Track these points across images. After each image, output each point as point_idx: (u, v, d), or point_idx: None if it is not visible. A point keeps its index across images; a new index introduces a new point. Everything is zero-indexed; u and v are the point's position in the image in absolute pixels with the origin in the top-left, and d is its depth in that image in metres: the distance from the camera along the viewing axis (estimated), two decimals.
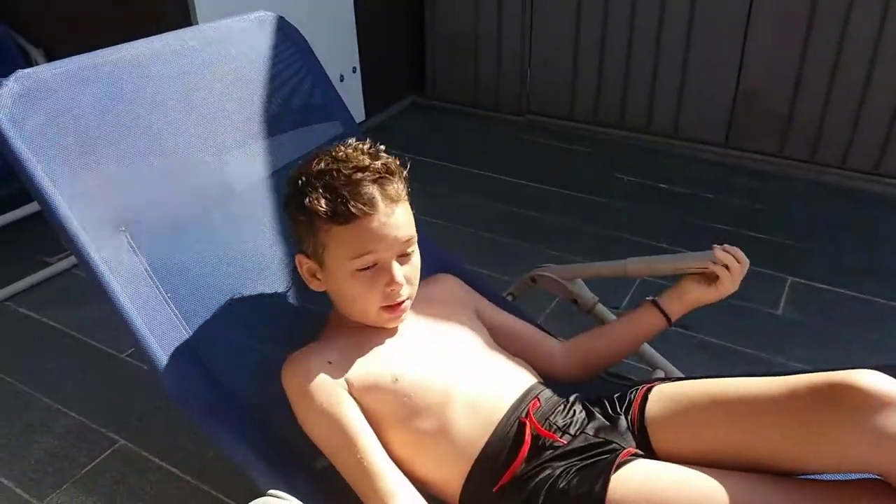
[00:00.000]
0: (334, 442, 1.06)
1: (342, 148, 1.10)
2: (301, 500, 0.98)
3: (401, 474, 1.05)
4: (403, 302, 1.13)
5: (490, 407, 1.11)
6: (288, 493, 0.99)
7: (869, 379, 0.91)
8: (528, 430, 1.07)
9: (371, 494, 1.02)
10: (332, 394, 1.06)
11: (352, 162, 1.07)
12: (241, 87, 1.39)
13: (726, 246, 1.25)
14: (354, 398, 1.08)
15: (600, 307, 1.49)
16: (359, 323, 1.16)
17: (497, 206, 2.91)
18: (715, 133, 3.24)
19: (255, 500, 1.05)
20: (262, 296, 1.29)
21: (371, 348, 1.14)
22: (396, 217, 1.08)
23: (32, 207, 2.42)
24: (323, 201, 1.04)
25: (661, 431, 1.07)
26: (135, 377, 2.01)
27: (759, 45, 3.01)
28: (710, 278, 1.26)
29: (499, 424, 1.09)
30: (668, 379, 1.44)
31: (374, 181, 1.06)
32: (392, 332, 1.17)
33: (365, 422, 1.07)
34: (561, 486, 1.00)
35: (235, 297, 1.25)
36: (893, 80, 2.82)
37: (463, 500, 1.07)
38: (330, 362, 1.09)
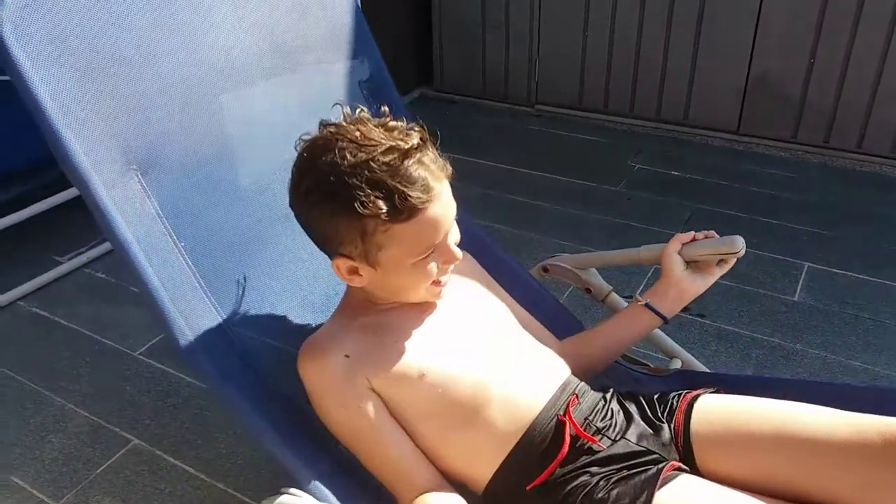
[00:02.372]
0: (357, 439, 1.02)
1: (354, 128, 0.95)
2: (322, 484, 0.97)
3: (429, 466, 1.01)
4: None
5: (527, 401, 1.05)
6: (306, 471, 0.99)
7: None
8: (567, 431, 1.02)
9: (399, 488, 0.99)
10: (351, 392, 1.00)
11: (381, 144, 0.92)
12: (267, 13, 1.27)
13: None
14: (376, 392, 1.01)
15: (614, 296, 1.47)
16: (384, 304, 1.07)
17: (508, 197, 2.89)
18: (727, 120, 3.21)
19: (268, 499, 1.04)
20: (279, 250, 1.20)
21: (393, 337, 1.04)
22: (447, 194, 0.98)
23: (41, 206, 2.42)
24: (380, 202, 0.90)
25: (708, 451, 1.02)
26: (147, 376, 2.00)
27: (771, 29, 2.97)
28: (701, 267, 1.20)
29: (536, 420, 1.03)
30: (692, 371, 1.42)
31: (419, 161, 0.94)
32: (417, 314, 1.08)
33: (387, 417, 1.01)
34: (599, 495, 0.96)
35: (252, 250, 1.16)
36: None
37: (489, 491, 1.03)
38: (347, 356, 1.01)
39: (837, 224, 2.63)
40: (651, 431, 1.06)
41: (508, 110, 3.68)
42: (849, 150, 3.00)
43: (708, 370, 1.45)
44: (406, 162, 0.92)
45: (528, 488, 1.01)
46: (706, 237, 1.20)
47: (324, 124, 0.99)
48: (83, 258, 2.52)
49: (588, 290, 1.48)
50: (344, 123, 0.97)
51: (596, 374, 1.21)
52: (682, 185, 2.96)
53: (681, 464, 1.01)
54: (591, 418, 1.05)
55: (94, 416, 1.87)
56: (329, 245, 1.00)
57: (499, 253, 1.48)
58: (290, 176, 1.00)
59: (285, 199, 1.02)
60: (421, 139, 0.95)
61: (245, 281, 1.16)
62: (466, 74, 3.73)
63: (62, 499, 1.64)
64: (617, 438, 1.04)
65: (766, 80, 3.06)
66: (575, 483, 0.99)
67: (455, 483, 1.04)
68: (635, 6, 3.18)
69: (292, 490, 0.98)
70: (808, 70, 2.96)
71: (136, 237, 1.02)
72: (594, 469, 1.00)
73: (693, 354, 1.53)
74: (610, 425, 1.05)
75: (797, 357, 1.99)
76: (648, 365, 1.40)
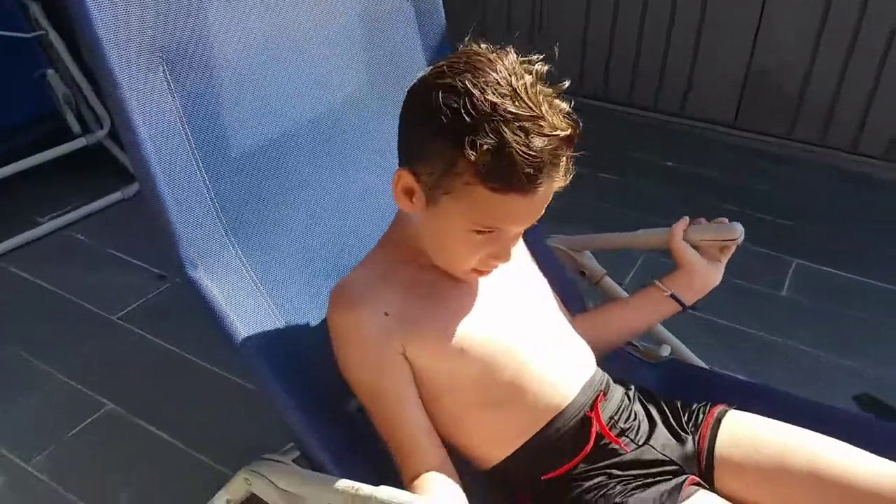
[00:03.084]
0: (376, 401, 0.95)
1: (519, 71, 0.84)
2: (324, 447, 0.94)
3: (441, 446, 0.95)
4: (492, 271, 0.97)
5: (559, 392, 0.99)
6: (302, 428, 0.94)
7: None
8: (593, 428, 0.98)
9: (406, 462, 0.93)
10: (382, 355, 0.93)
11: (533, 111, 0.82)
12: None
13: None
14: (409, 359, 0.94)
15: (608, 280, 1.45)
16: (430, 261, 0.97)
17: None
18: (725, 113, 3.19)
19: (251, 465, 1.02)
20: (314, 183, 1.11)
21: (437, 302, 0.96)
22: (546, 198, 0.88)
23: (23, 165, 2.37)
24: (489, 157, 0.80)
25: (731, 473, 1.00)
26: (125, 340, 1.97)
27: (773, 24, 2.94)
28: (708, 255, 1.18)
29: (563, 412, 0.99)
30: (686, 364, 1.40)
31: (552, 153, 0.83)
32: (465, 281, 0.99)
33: (412, 387, 0.94)
34: (617, 500, 0.94)
35: (274, 169, 1.06)
36: None
37: (496, 471, 0.99)
38: (386, 314, 0.92)
39: (828, 222, 2.62)
40: (674, 441, 1.03)
41: None
42: (844, 150, 2.99)
43: (700, 362, 1.43)
44: (541, 143, 0.81)
45: (543, 478, 0.98)
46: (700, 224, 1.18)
47: (501, 45, 0.88)
48: (64, 219, 2.47)
49: (582, 273, 1.46)
50: (521, 62, 0.86)
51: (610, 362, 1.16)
52: (676, 175, 2.94)
53: (700, 479, 0.98)
54: (615, 418, 1.02)
55: (70, 379, 1.83)
56: (409, 153, 0.90)
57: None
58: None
59: (327, 122, 0.96)
60: (570, 136, 0.85)
61: (261, 206, 1.05)
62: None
63: (32, 460, 1.61)
64: (640, 443, 1.01)
65: (766, 75, 3.04)
66: (592, 482, 0.96)
67: (461, 458, 0.99)
68: None
69: (274, 456, 0.96)
70: (808, 69, 2.94)
71: (153, 138, 0.92)
72: (614, 471, 0.97)
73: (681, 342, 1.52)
74: (633, 427, 1.02)
75: (788, 353, 1.98)
76: (638, 347, 1.38)
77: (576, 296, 1.38)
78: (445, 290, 0.97)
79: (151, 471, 1.60)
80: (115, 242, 2.37)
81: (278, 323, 1.01)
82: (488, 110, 0.80)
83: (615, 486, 0.95)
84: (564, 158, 0.86)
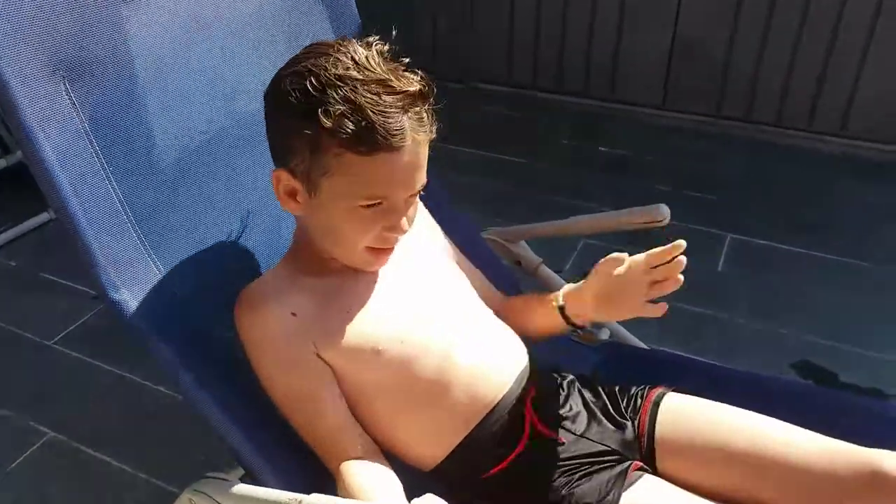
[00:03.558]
0: (293, 403, 0.94)
1: (360, 49, 0.86)
2: (262, 458, 0.92)
3: (365, 437, 0.95)
4: (393, 246, 0.96)
5: (489, 386, 0.98)
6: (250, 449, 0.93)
7: None
8: (527, 422, 0.99)
9: (332, 459, 0.92)
10: (295, 355, 0.92)
11: (379, 75, 0.84)
12: None
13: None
14: (327, 362, 0.93)
15: (544, 268, 1.47)
16: (334, 263, 0.97)
17: (436, 172, 2.86)
18: (652, 95, 3.25)
19: (194, 484, 1.00)
20: (220, 181, 1.08)
21: (345, 305, 0.96)
22: (420, 156, 0.89)
23: None
24: (346, 121, 0.82)
25: (671, 455, 1.01)
26: (62, 365, 1.91)
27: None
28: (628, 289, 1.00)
29: (496, 407, 0.98)
30: (625, 345, 1.42)
31: (405, 109, 0.85)
32: (371, 280, 0.99)
33: (332, 389, 0.93)
34: (562, 492, 0.94)
35: (188, 180, 1.03)
36: (824, 35, 2.85)
37: (439, 471, 0.98)
38: (294, 314, 0.92)
39: (759, 196, 2.69)
40: (613, 428, 1.03)
41: (437, 86, 3.63)
42: (769, 124, 3.08)
43: (640, 343, 1.45)
44: (392, 99, 0.84)
45: (483, 477, 0.97)
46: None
47: (339, 38, 0.91)
48: None
49: (518, 263, 1.48)
50: (359, 44, 0.88)
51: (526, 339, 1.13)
52: (609, 159, 2.99)
53: (643, 464, 0.99)
54: (550, 407, 1.02)
55: (6, 409, 1.77)
56: (278, 152, 0.92)
57: (450, 209, 1.38)
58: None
59: (228, 122, 0.94)
60: (421, 91, 0.87)
61: (179, 216, 1.03)
62: (396, 51, 3.67)
63: None
64: (578, 433, 1.01)
65: (690, 52, 3.10)
66: (535, 476, 0.97)
67: (400, 460, 0.98)
68: None
69: (217, 474, 0.95)
70: (729, 42, 3.01)
71: (59, 157, 0.89)
72: (555, 463, 0.97)
73: (621, 325, 1.54)
74: (570, 417, 1.03)
75: (727, 326, 2.03)
76: (578, 332, 1.40)
77: (512, 285, 1.38)
78: (350, 293, 0.97)
79: (99, 498, 1.57)
80: (47, 265, 2.31)
81: (202, 336, 0.99)
82: (335, 81, 0.83)
83: (558, 477, 0.96)
84: (424, 113, 0.88)
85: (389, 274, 1.00)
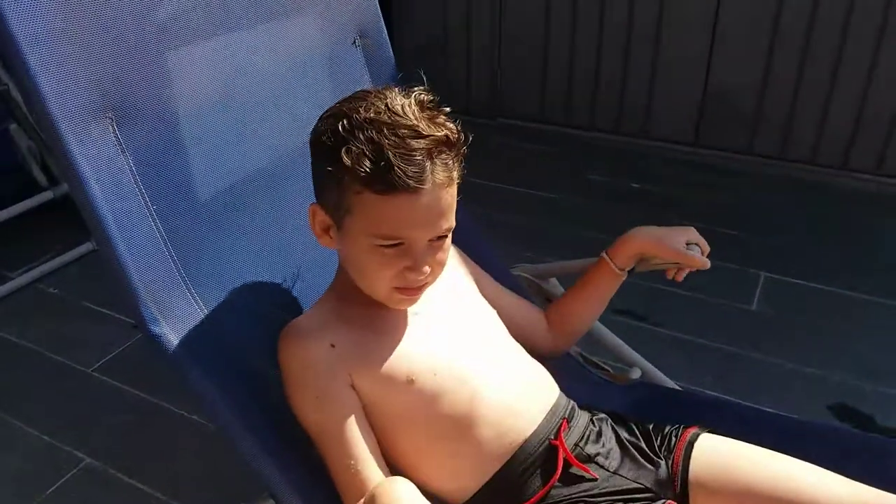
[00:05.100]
0: (323, 434, 0.95)
1: (399, 97, 0.90)
2: (295, 493, 0.93)
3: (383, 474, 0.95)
4: (422, 287, 0.97)
5: (519, 421, 0.99)
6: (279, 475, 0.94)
7: None
8: (560, 456, 0.99)
9: (350, 494, 0.92)
10: (329, 385, 0.94)
11: (409, 119, 0.87)
12: None
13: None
14: (358, 392, 0.95)
15: None
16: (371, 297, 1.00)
17: (470, 209, 2.88)
18: (685, 132, 3.26)
19: None
20: (260, 220, 1.12)
21: (383, 334, 0.98)
22: (443, 202, 0.90)
23: None
24: (366, 160, 0.85)
25: (706, 498, 1.00)
26: (101, 393, 1.95)
27: (727, 42, 3.02)
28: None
29: (527, 442, 0.99)
30: (657, 386, 1.41)
31: (430, 153, 0.87)
32: (407, 313, 1.02)
33: (361, 418, 0.94)
34: None
35: (230, 218, 1.07)
36: (858, 78, 2.85)
37: None
38: (333, 346, 0.94)
39: (794, 234, 2.67)
40: (649, 467, 1.03)
41: (470, 123, 3.66)
42: (803, 161, 3.06)
43: (672, 382, 1.45)
44: (416, 143, 0.86)
45: None
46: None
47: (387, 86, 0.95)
48: (35, 273, 2.45)
49: (549, 301, 1.48)
50: (400, 93, 0.91)
51: (558, 377, 1.15)
52: (641, 196, 2.99)
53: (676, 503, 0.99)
54: (581, 444, 1.02)
55: (46, 434, 1.82)
56: (315, 188, 0.96)
57: (480, 243, 1.41)
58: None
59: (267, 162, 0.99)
60: (447, 137, 0.89)
61: (222, 253, 1.05)
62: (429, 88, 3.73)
63: None
64: (612, 470, 1.01)
65: (723, 93, 3.11)
66: None
67: (430, 495, 0.97)
68: (595, 20, 3.22)
69: None
70: (762, 83, 3.02)
71: (105, 195, 0.92)
72: (586, 500, 0.97)
73: (653, 364, 1.54)
74: (603, 453, 1.03)
75: (761, 367, 2.01)
76: (608, 370, 1.40)
77: None
78: (387, 323, 1.00)
79: None
80: (88, 294, 2.36)
81: (242, 374, 1.01)
82: (364, 123, 0.87)
83: None
84: (448, 159, 0.90)
85: (426, 307, 1.03)
